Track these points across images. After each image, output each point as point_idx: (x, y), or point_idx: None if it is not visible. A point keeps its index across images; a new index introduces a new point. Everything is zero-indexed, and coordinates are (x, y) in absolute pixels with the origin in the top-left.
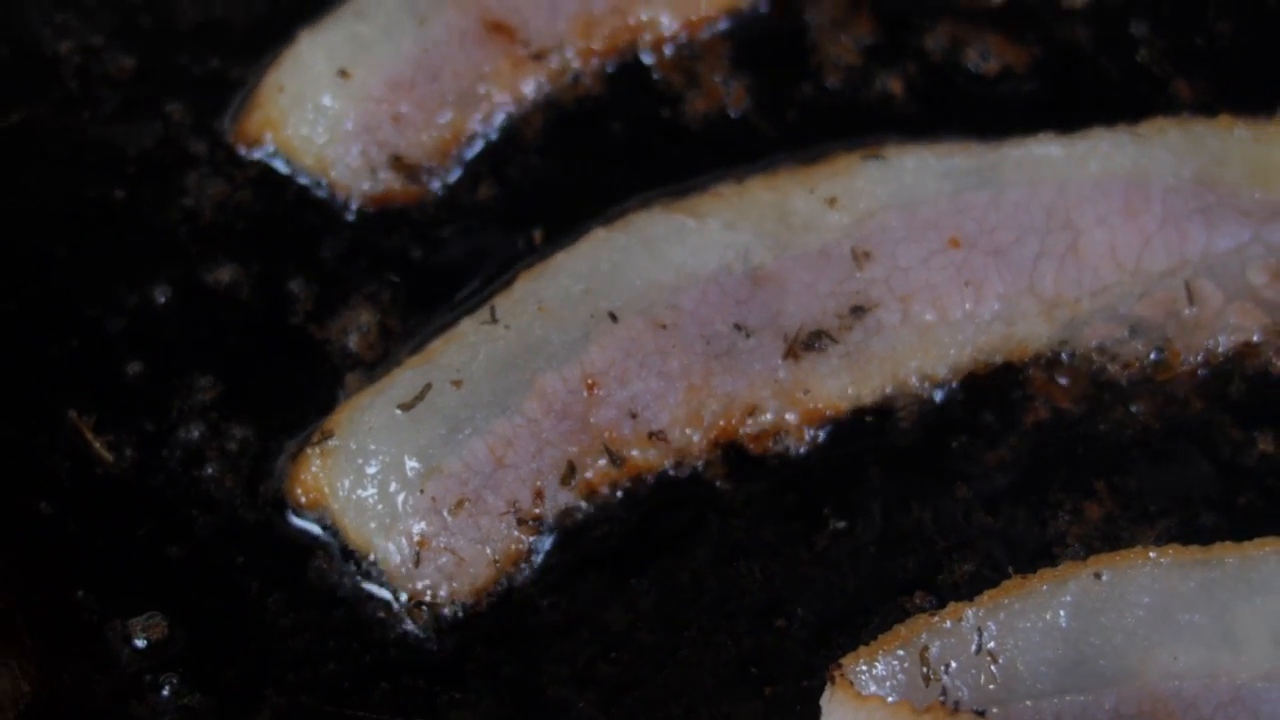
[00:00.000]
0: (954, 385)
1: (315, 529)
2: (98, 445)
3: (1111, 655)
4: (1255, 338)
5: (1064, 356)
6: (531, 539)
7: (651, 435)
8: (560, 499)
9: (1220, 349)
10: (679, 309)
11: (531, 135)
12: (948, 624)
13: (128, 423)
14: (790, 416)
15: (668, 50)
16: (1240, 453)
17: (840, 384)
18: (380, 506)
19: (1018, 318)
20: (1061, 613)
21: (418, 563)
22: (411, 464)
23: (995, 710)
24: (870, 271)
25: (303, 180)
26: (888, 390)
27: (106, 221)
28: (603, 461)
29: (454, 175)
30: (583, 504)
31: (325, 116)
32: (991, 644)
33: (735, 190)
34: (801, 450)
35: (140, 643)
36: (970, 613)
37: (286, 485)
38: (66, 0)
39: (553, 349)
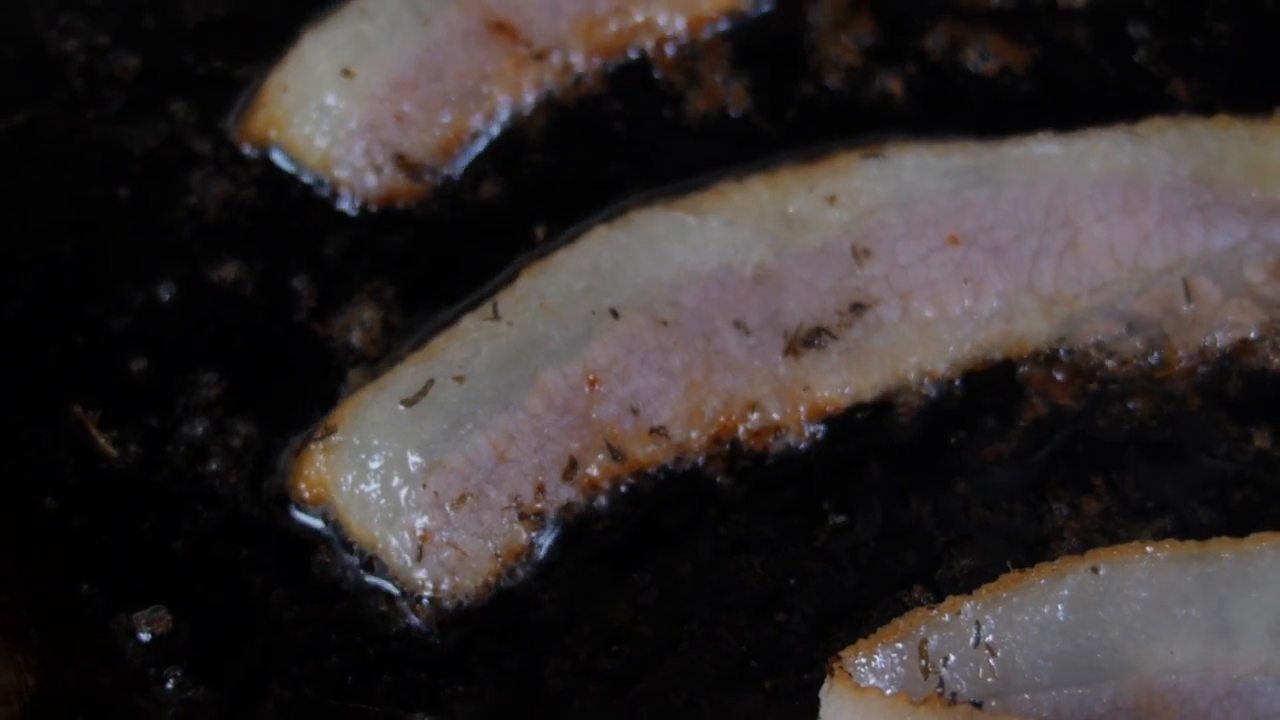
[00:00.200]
0: (953, 382)
1: (318, 524)
2: (102, 441)
3: (1109, 649)
4: (1252, 335)
5: (1062, 353)
6: (533, 533)
7: (653, 431)
8: (562, 494)
9: (1218, 346)
10: (680, 306)
11: (534, 134)
12: (946, 618)
13: (132, 419)
14: (790, 413)
15: (669, 50)
16: (1237, 449)
17: (840, 380)
18: (383, 501)
19: (1017, 315)
20: (1059, 607)
21: (420, 557)
22: (414, 459)
23: (993, 703)
24: (870, 269)
25: (306, 179)
26: (887, 387)
27: (111, 220)
28: (604, 457)
29: (457, 173)
30: (584, 499)
31: (329, 115)
32: (990, 637)
33: (736, 188)
34: (801, 446)
35: (144, 636)
36: (969, 606)
37: (290, 480)
38: (71, 0)
39: (554, 345)
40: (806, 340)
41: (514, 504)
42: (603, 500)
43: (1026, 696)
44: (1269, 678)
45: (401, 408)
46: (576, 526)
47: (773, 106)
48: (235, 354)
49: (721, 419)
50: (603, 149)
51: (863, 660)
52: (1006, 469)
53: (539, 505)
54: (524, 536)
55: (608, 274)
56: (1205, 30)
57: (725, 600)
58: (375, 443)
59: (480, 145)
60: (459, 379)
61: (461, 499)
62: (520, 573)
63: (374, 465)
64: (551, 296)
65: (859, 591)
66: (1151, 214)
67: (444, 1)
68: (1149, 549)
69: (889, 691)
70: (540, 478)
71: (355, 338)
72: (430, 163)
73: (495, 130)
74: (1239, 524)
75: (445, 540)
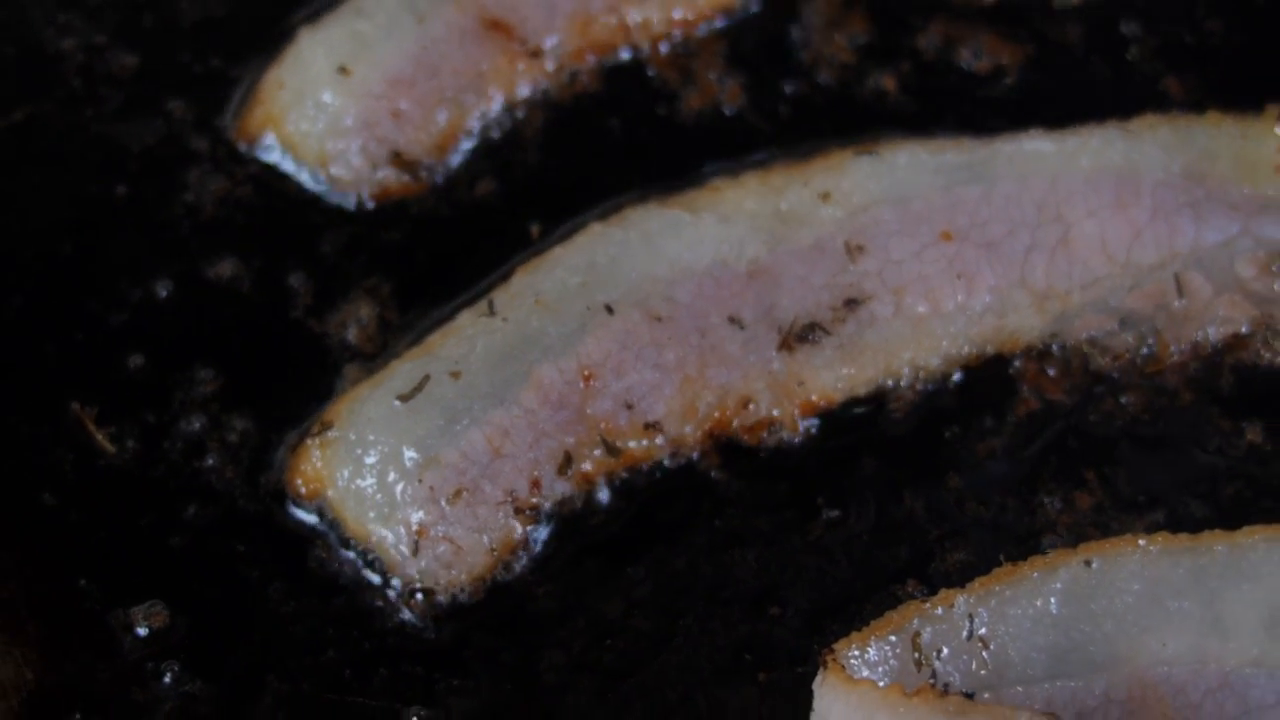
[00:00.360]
0: (946, 376)
1: (315, 519)
2: (100, 437)
3: (1101, 642)
4: (1243, 329)
5: (1055, 348)
6: (528, 528)
7: (647, 426)
8: (557, 489)
9: (1209, 341)
10: (674, 302)
11: (529, 131)
12: (939, 611)
13: (130, 415)
14: (784, 407)
15: (663, 48)
16: (1229, 443)
17: (834, 375)
18: (379, 496)
19: (1009, 310)
20: (1052, 600)
21: (416, 551)
22: (410, 454)
23: (986, 695)
24: (863, 265)
25: (303, 176)
26: (881, 381)
27: (109, 217)
28: (599, 452)
29: (453, 171)
30: (579, 494)
31: (325, 113)
32: (983, 630)
33: (730, 185)
34: (795, 441)
35: (142, 631)
36: (962, 600)
37: (286, 476)
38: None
39: (550, 341)
40: (800, 335)
41: (509, 499)
42: (597, 495)
43: (1019, 689)
44: (1261, 670)
45: (397, 403)
46: (571, 521)
47: (767, 104)
48: (232, 350)
49: (716, 414)
50: (598, 146)
51: (856, 653)
52: (999, 463)
53: (534, 500)
54: (519, 531)
55: (603, 270)
56: (1197, 28)
57: (720, 594)
58: (371, 438)
59: (476, 143)
60: (455, 375)
61: (457, 494)
62: (515, 567)
63: (370, 460)
64: (547, 293)
65: (852, 585)
66: (1143, 210)
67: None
68: (1141, 542)
69: (882, 684)
70: (535, 473)
71: (351, 334)
72: (426, 160)
73: (491, 128)
74: (1231, 517)
75: (441, 535)
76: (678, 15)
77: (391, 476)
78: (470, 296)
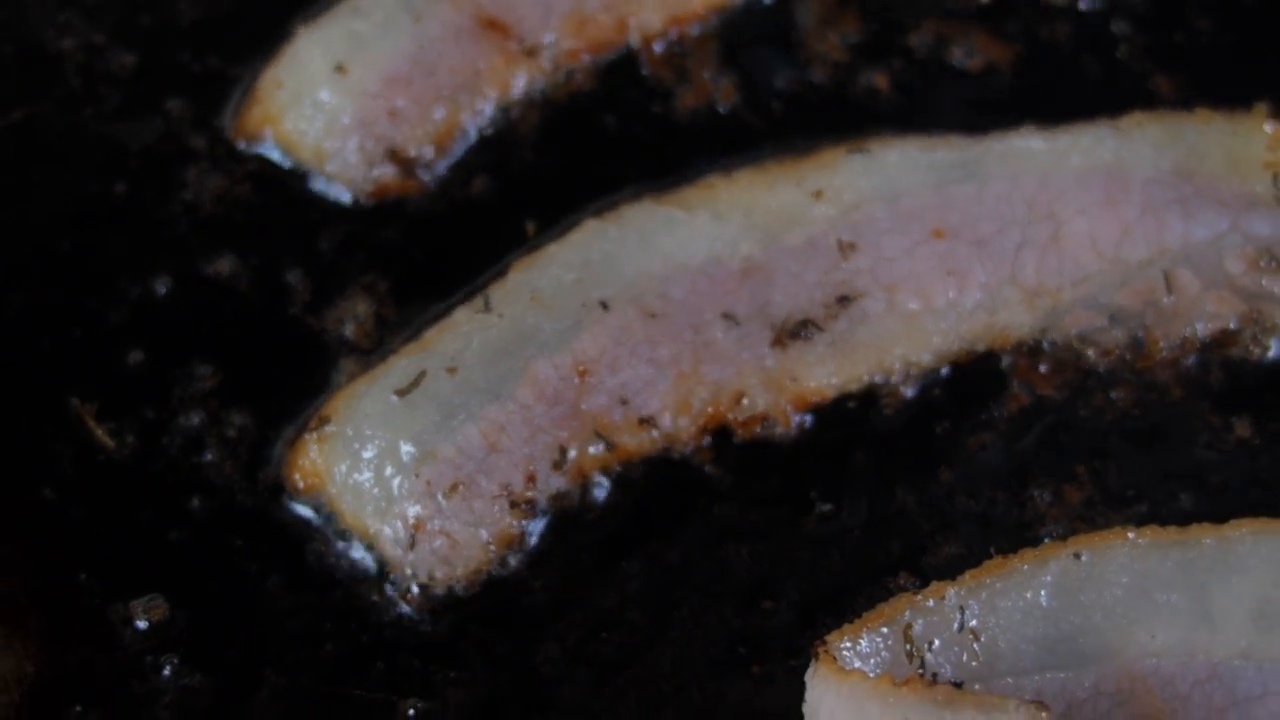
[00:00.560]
0: (938, 372)
1: (312, 513)
2: (100, 432)
3: (1091, 633)
4: (1232, 325)
5: (1045, 344)
6: (524, 522)
7: (642, 421)
8: (552, 483)
9: (1198, 336)
10: (669, 298)
11: (525, 129)
12: (931, 603)
13: (129, 410)
14: (778, 403)
15: (657, 47)
16: (1217, 438)
17: (826, 372)
18: (376, 491)
19: (1000, 306)
20: (1042, 592)
21: (413, 545)
22: (407, 449)
23: (977, 686)
24: (856, 262)
25: (301, 174)
26: (873, 377)
27: (109, 215)
28: (594, 447)
29: (449, 168)
30: (574, 488)
31: (323, 111)
32: (974, 622)
33: (724, 183)
34: (789, 435)
35: (142, 624)
36: (953, 592)
37: (285, 470)
38: None
39: (545, 337)
40: (793, 332)
41: (505, 493)
42: (593, 489)
43: (1010, 680)
44: (1249, 662)
45: (394, 398)
46: (567, 515)
47: (760, 102)
48: (230, 346)
49: (710, 409)
50: (593, 144)
51: (848, 645)
52: (990, 457)
53: (530, 494)
54: (515, 525)
55: (598, 267)
56: (1186, 26)
57: (713, 587)
58: (368, 433)
59: (472, 140)
60: (451, 370)
61: (453, 488)
62: (511, 560)
63: (367, 455)
64: (542, 289)
65: (845, 578)
66: (1133, 207)
67: None
68: (1130, 535)
69: (874, 675)
70: (531, 467)
71: (349, 330)
72: (423, 158)
73: (487, 126)
74: (1219, 511)
75: (437, 529)
76: (672, 14)
77: (388, 471)
78: (466, 293)
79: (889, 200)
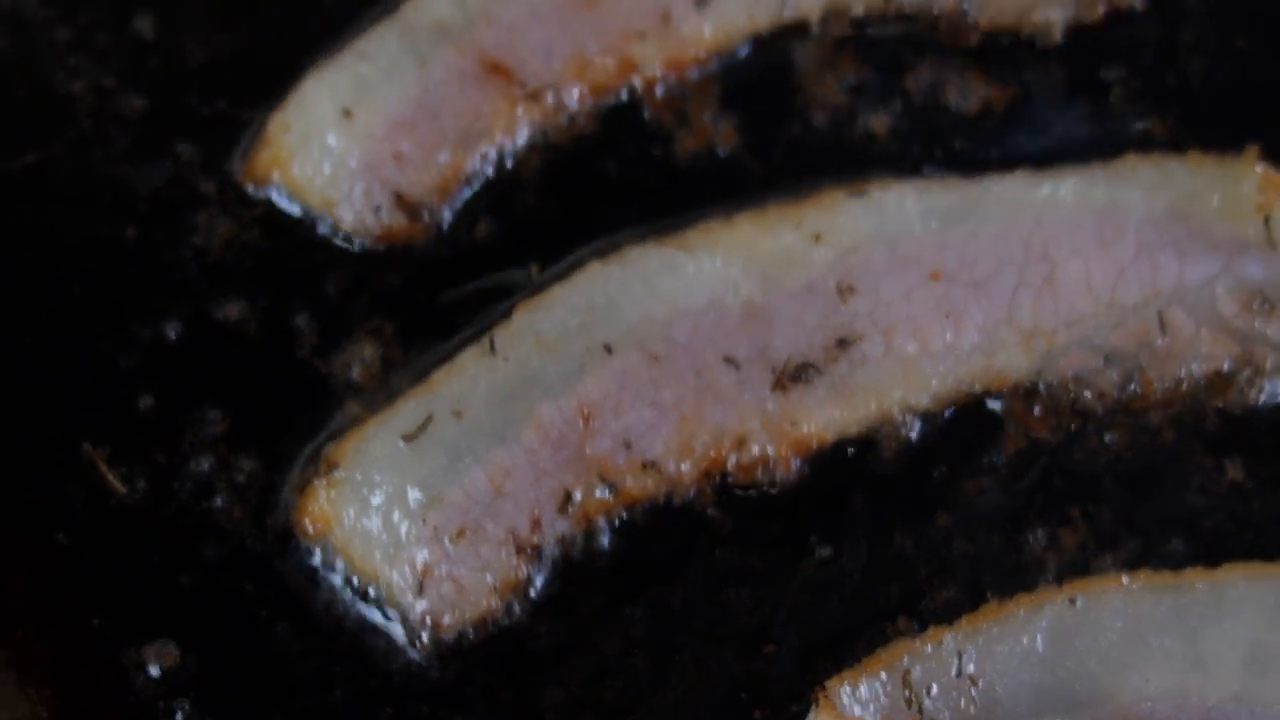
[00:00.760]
0: (935, 415)
1: (321, 558)
2: (112, 477)
3: (1086, 678)
4: (1225, 367)
5: (1041, 386)
6: (529, 566)
7: (645, 465)
8: (557, 527)
9: (1192, 378)
10: (671, 341)
11: (528, 173)
12: (929, 648)
13: (140, 455)
14: (778, 446)
15: (658, 90)
16: (1210, 481)
17: (826, 415)
18: (384, 536)
19: (997, 348)
20: (1038, 637)
21: (421, 590)
22: (414, 494)
23: None
24: (854, 305)
25: (308, 217)
26: (872, 421)
27: (119, 259)
28: (598, 490)
29: (454, 212)
30: (578, 532)
31: (330, 155)
32: (971, 668)
33: (725, 226)
34: (789, 479)
35: (154, 670)
36: (950, 637)
37: (294, 516)
38: (79, 42)
39: (550, 380)
40: (794, 375)
41: (511, 537)
42: (597, 532)
43: None
44: (1242, 705)
45: (401, 443)
46: (571, 559)
47: (760, 146)
48: (240, 391)
49: (711, 453)
50: (596, 187)
51: (848, 690)
52: (987, 501)
53: (535, 539)
54: (521, 569)
55: (601, 310)
56: (1179, 70)
57: (715, 632)
58: (376, 478)
59: (476, 184)
60: (457, 414)
61: (460, 533)
62: (516, 605)
63: (375, 501)
64: (547, 332)
65: (845, 623)
66: (1127, 248)
67: (441, 43)
68: (1124, 580)
69: None
70: (536, 511)
71: (356, 374)
72: (428, 201)
73: (490, 169)
74: (1212, 554)
75: (445, 574)
76: (672, 57)
77: (396, 516)
78: (472, 336)
79: (887, 243)
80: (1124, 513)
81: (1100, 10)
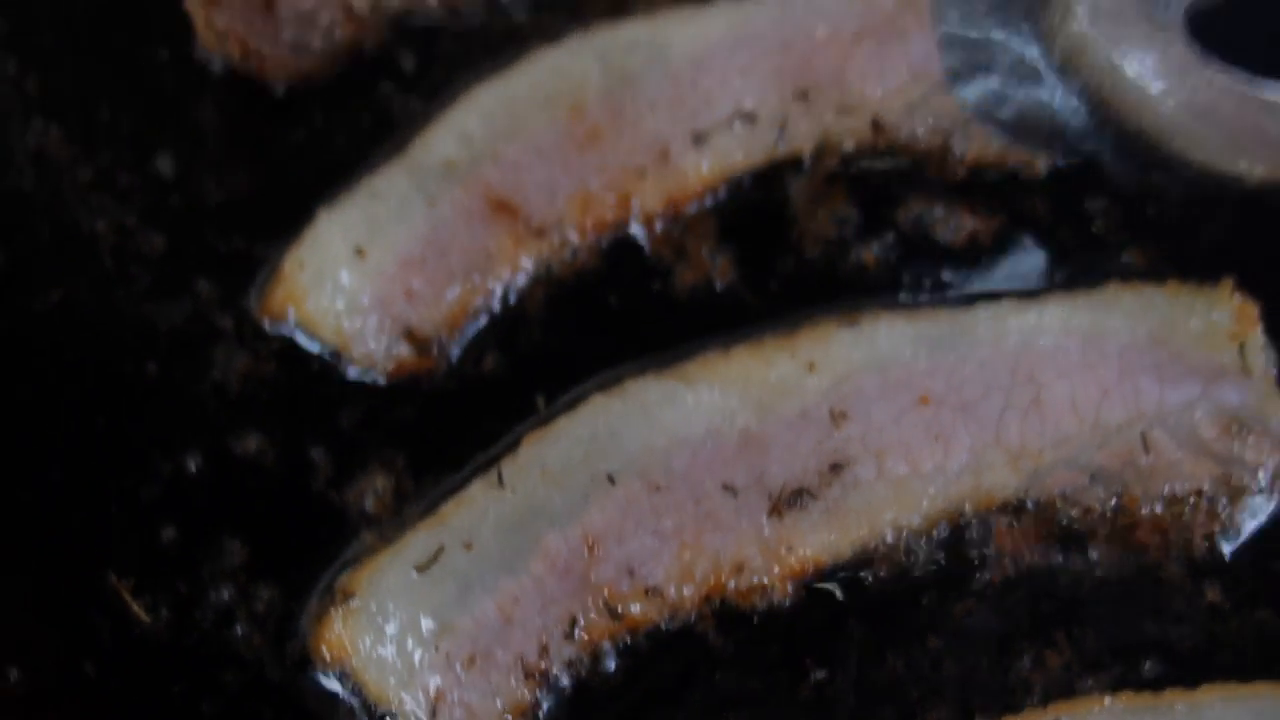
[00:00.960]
0: (926, 535)
1: (338, 685)
2: (136, 607)
3: None
4: (1206, 487)
5: (1029, 504)
6: (538, 691)
7: (648, 591)
8: (564, 652)
9: (1174, 497)
10: (671, 471)
11: (533, 307)
12: None
13: (163, 585)
14: (775, 571)
15: (658, 225)
16: (1189, 602)
17: (820, 538)
18: (398, 663)
19: (985, 469)
20: None
21: (434, 715)
22: (427, 623)
23: None
24: (847, 430)
25: (322, 352)
26: (865, 544)
27: (141, 394)
28: (603, 617)
29: (462, 346)
30: (584, 656)
31: (343, 292)
32: None
33: (722, 357)
34: (785, 603)
35: None
36: None
37: (311, 643)
38: (101, 181)
39: (556, 511)
40: (789, 501)
41: (519, 663)
42: (602, 657)
43: None
44: None
45: (414, 573)
46: (577, 682)
47: (756, 278)
48: (258, 522)
49: (711, 578)
50: (598, 321)
51: None
52: (975, 623)
53: (543, 664)
54: (529, 694)
55: (604, 441)
56: (1158, 201)
57: None
58: (390, 607)
59: (484, 319)
60: (467, 545)
61: (471, 660)
62: None
63: (389, 629)
64: (552, 464)
65: None
66: (1111, 372)
67: (448, 182)
68: (1107, 700)
69: None
70: (544, 638)
71: (370, 505)
72: (437, 336)
73: (497, 304)
74: (1191, 675)
75: (456, 700)
76: (670, 194)
77: (410, 644)
78: (480, 467)
79: (878, 370)
80: (1107, 634)
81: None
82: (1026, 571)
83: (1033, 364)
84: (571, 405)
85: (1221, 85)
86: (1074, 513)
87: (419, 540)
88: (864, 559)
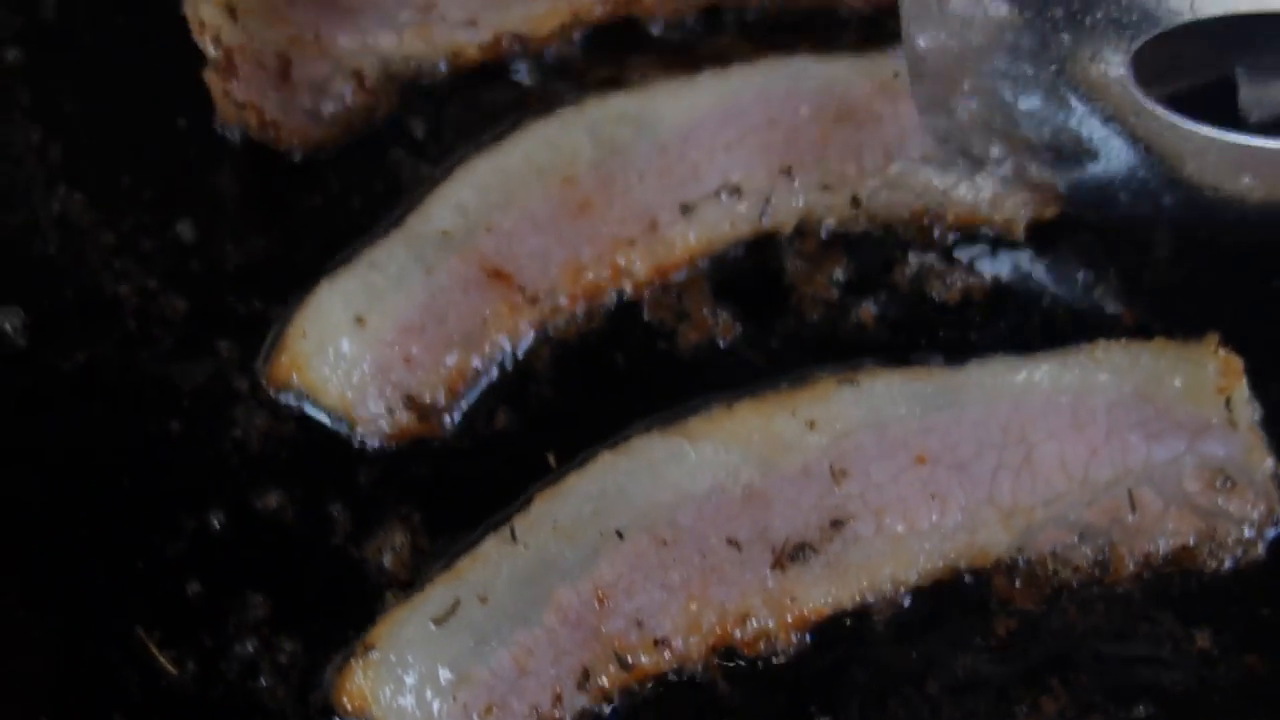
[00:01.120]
0: (924, 589)
1: None
2: (163, 659)
3: None
4: (1191, 541)
5: (1021, 561)
6: None
7: (656, 642)
8: (576, 702)
9: (1160, 552)
10: (678, 526)
11: (541, 366)
12: None
13: (189, 638)
14: (779, 621)
15: (647, 292)
16: (1179, 648)
17: (822, 591)
18: (418, 713)
19: (979, 526)
20: None
21: None
22: (444, 673)
23: None
24: (847, 488)
25: (327, 419)
26: (865, 596)
27: (165, 453)
28: (613, 667)
29: (471, 405)
30: (596, 706)
31: (344, 360)
32: None
33: (725, 415)
34: (790, 651)
35: None
36: None
37: (334, 694)
38: (124, 245)
39: (567, 566)
40: (792, 555)
41: (534, 712)
42: (613, 706)
43: None
44: None
45: (432, 626)
46: None
47: (757, 338)
48: (280, 577)
49: (718, 629)
50: (605, 380)
51: None
52: (972, 670)
53: (556, 713)
54: None
55: (613, 498)
56: (1145, 262)
57: None
58: (409, 659)
59: (484, 382)
60: (483, 599)
61: (488, 709)
62: None
63: (409, 680)
64: (563, 520)
65: None
66: (1099, 430)
67: (445, 251)
68: None
69: None
70: (557, 688)
71: (387, 560)
72: (437, 402)
73: (495, 369)
74: (1182, 718)
75: None
76: (658, 263)
77: (429, 694)
78: (494, 523)
79: (876, 428)
80: (1100, 679)
81: (1056, 209)
82: (1021, 617)
83: (1024, 423)
84: (581, 463)
85: None
86: (1064, 570)
87: (436, 594)
88: (865, 608)
